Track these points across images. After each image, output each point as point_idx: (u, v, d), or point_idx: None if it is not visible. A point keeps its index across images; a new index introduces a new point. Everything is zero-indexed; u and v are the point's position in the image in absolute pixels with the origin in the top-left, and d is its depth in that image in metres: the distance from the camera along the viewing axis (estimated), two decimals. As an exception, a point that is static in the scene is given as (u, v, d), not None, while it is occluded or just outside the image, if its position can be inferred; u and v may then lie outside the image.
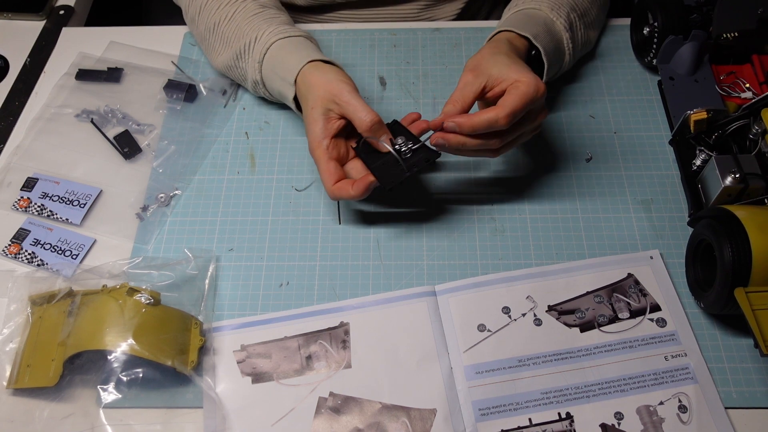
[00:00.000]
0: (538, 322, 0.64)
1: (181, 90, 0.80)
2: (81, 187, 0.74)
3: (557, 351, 0.62)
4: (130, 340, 0.58)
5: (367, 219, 0.72)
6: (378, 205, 0.73)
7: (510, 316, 0.64)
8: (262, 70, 0.74)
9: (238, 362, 0.63)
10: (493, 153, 0.65)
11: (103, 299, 0.62)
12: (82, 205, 0.73)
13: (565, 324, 0.64)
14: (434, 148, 0.64)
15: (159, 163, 0.76)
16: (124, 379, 0.59)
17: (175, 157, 0.76)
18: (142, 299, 0.61)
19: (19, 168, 0.76)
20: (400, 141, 0.65)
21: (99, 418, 0.59)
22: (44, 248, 0.70)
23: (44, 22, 0.91)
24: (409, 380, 0.61)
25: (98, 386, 0.60)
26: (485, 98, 0.65)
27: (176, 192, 0.74)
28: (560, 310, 0.65)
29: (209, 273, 0.68)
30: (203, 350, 0.62)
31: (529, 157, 0.76)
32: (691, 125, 0.69)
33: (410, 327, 0.64)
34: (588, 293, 0.66)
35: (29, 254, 0.70)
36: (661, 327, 0.63)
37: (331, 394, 0.61)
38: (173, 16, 0.97)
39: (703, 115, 0.68)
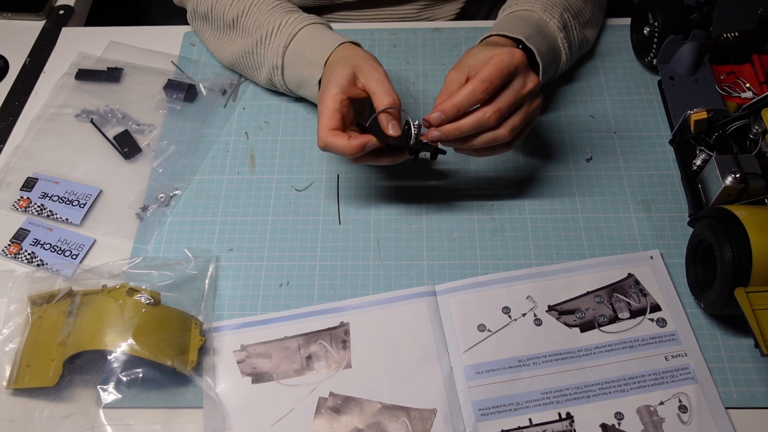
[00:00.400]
0: (538, 322, 0.64)
1: (181, 90, 0.80)
2: (81, 187, 0.74)
3: (557, 351, 0.62)
4: (130, 340, 0.58)
5: (367, 219, 0.72)
6: (378, 205, 0.73)
7: (510, 316, 0.64)
8: (285, 55, 0.74)
9: (238, 362, 0.63)
10: (506, 146, 0.64)
11: (103, 299, 0.62)
12: (81, 205, 0.73)
13: (566, 324, 0.64)
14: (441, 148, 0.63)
15: (159, 163, 0.76)
16: (124, 379, 0.59)
17: (175, 157, 0.76)
18: (142, 299, 0.61)
19: (19, 168, 0.76)
20: (411, 128, 0.63)
21: (99, 418, 0.59)
22: (44, 248, 0.70)
23: (44, 22, 0.91)
24: (409, 380, 0.61)
25: (98, 386, 0.60)
26: None
27: (176, 192, 0.74)
28: (560, 310, 0.65)
29: (209, 273, 0.68)
30: (203, 350, 0.62)
31: (529, 157, 0.76)
32: (692, 125, 0.69)
33: (410, 327, 0.64)
34: (588, 293, 0.66)
35: (29, 254, 0.70)
36: (662, 327, 0.63)
37: (331, 394, 0.61)
38: (173, 16, 0.97)
39: (704, 115, 0.68)
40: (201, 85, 0.82)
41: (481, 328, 0.64)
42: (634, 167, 0.74)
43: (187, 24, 0.88)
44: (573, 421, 0.59)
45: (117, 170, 0.76)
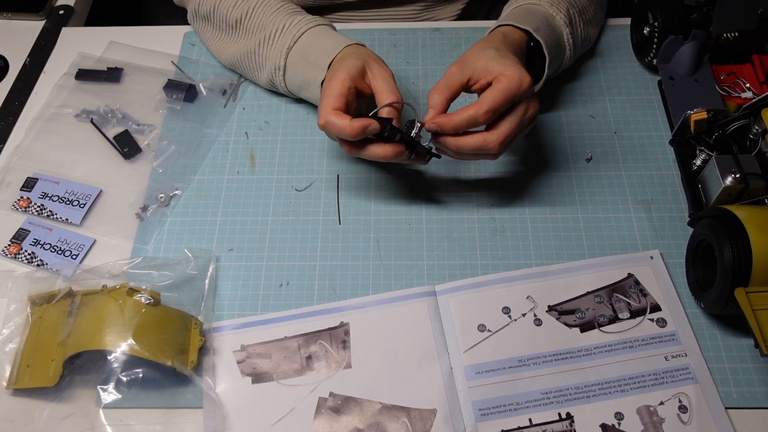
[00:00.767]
0: (538, 322, 0.64)
1: (181, 90, 0.80)
2: (81, 187, 0.74)
3: (557, 351, 0.62)
4: (130, 340, 0.58)
5: (367, 219, 0.72)
6: (378, 205, 0.73)
7: (510, 316, 0.64)
8: (288, 56, 0.74)
9: (238, 362, 0.63)
10: (492, 156, 0.65)
11: (103, 299, 0.62)
12: (81, 205, 0.73)
13: (566, 324, 0.64)
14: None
15: (159, 163, 0.76)
16: (124, 379, 0.59)
17: (175, 157, 0.76)
18: (142, 299, 0.61)
19: (19, 168, 0.76)
20: (415, 124, 0.62)
21: (99, 418, 0.59)
22: (44, 248, 0.70)
23: (44, 22, 0.91)
24: (409, 380, 0.61)
25: (98, 386, 0.60)
26: (471, 90, 0.65)
27: (176, 192, 0.74)
28: (560, 310, 0.65)
29: (209, 273, 0.68)
30: (203, 350, 0.62)
31: (529, 157, 0.76)
32: (692, 125, 0.69)
33: (410, 327, 0.64)
34: (588, 293, 0.66)
35: (29, 254, 0.70)
36: (662, 327, 0.63)
37: (331, 394, 0.61)
38: (173, 16, 0.97)
39: (704, 115, 0.68)
40: (201, 85, 0.82)
41: (481, 328, 0.64)
42: (634, 167, 0.74)
43: (187, 24, 0.88)
44: (573, 421, 0.59)
45: (117, 170, 0.76)
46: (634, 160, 0.75)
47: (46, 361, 0.61)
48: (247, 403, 0.61)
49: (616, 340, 0.63)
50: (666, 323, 0.64)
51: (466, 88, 0.64)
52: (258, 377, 0.62)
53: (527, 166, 0.75)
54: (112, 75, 0.83)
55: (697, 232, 0.63)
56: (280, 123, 0.80)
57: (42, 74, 0.85)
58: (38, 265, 0.69)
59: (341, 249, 0.70)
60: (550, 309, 0.65)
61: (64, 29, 0.90)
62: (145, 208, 0.73)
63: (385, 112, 0.63)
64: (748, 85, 0.74)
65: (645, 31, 0.79)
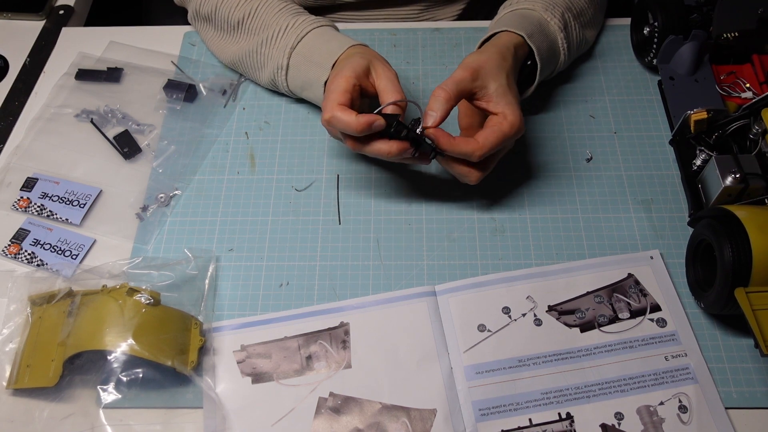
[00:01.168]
0: (538, 322, 0.64)
1: (181, 90, 0.80)
2: (81, 187, 0.74)
3: (557, 351, 0.62)
4: (130, 340, 0.58)
5: (367, 219, 0.72)
6: (378, 205, 0.73)
7: (510, 316, 0.64)
8: (291, 56, 0.74)
9: (238, 362, 0.63)
10: (474, 169, 0.66)
11: (103, 299, 0.62)
12: (81, 205, 0.73)
13: (566, 324, 0.64)
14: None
15: (159, 163, 0.76)
16: (124, 379, 0.59)
17: (175, 157, 0.76)
18: (142, 299, 0.61)
19: (19, 168, 0.76)
20: (417, 126, 0.63)
21: (99, 419, 0.59)
22: (44, 248, 0.70)
23: (44, 22, 0.91)
24: (409, 380, 0.61)
25: (98, 386, 0.59)
26: (471, 102, 0.66)
27: (176, 192, 0.74)
28: (560, 310, 0.65)
29: (209, 273, 0.68)
30: (203, 350, 0.62)
31: (529, 157, 0.76)
32: (692, 125, 0.69)
33: (410, 327, 0.64)
34: (588, 293, 0.66)
35: (29, 254, 0.70)
36: (662, 327, 0.63)
37: (331, 394, 0.61)
38: (173, 16, 0.97)
39: (704, 115, 0.68)
40: (201, 85, 0.82)
41: (481, 328, 0.64)
42: (634, 167, 0.74)
43: (188, 24, 0.88)
44: (573, 421, 0.59)
45: (117, 170, 0.76)
46: (634, 160, 0.75)
47: (46, 361, 0.61)
48: (247, 403, 0.61)
49: (616, 340, 0.63)
50: (666, 323, 0.64)
51: (468, 97, 0.65)
52: (258, 377, 0.62)
53: (527, 166, 0.75)
54: (112, 75, 0.83)
55: (697, 232, 0.63)
56: (280, 123, 0.80)
57: (42, 74, 0.85)
58: (38, 265, 0.69)
59: (341, 249, 0.70)
60: (550, 309, 0.65)
61: (64, 29, 0.90)
62: (145, 208, 0.73)
63: (389, 110, 0.63)
64: (748, 85, 0.74)
65: (645, 31, 0.79)
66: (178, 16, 0.93)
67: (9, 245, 0.70)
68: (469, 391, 0.60)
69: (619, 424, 0.59)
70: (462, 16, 0.91)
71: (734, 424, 0.58)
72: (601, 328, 0.64)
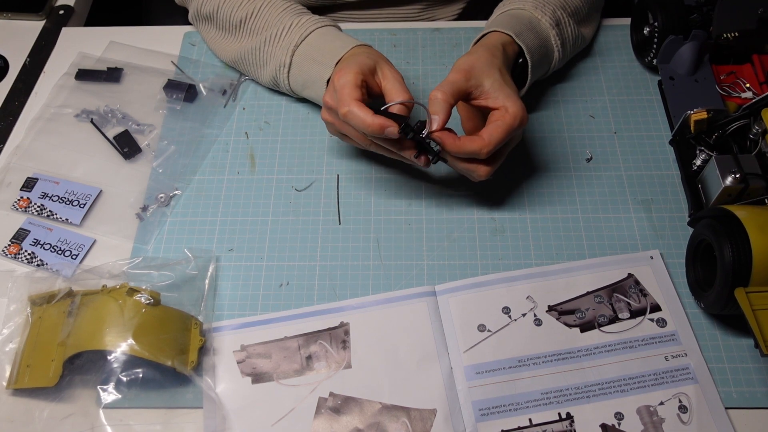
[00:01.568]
0: (538, 322, 0.64)
1: (181, 90, 0.80)
2: (81, 187, 0.74)
3: (557, 351, 0.62)
4: (130, 340, 0.58)
5: (367, 219, 0.72)
6: (378, 205, 0.73)
7: (510, 316, 0.64)
8: (294, 54, 0.74)
9: (238, 362, 0.63)
10: (483, 165, 0.65)
11: (103, 299, 0.62)
12: (81, 205, 0.73)
13: (566, 324, 0.64)
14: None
15: (159, 163, 0.76)
16: (124, 379, 0.59)
17: (175, 157, 0.76)
18: (142, 299, 0.61)
19: (19, 168, 0.76)
20: (422, 129, 0.63)
21: (99, 418, 0.59)
22: (44, 248, 0.70)
23: (44, 22, 0.91)
24: (409, 380, 0.61)
25: (98, 386, 0.60)
26: (469, 102, 0.66)
27: (176, 192, 0.74)
28: (560, 310, 0.65)
29: (209, 273, 0.68)
30: (203, 350, 0.62)
31: (529, 157, 0.76)
32: (692, 125, 0.69)
33: (410, 327, 0.64)
34: (588, 293, 0.66)
35: (29, 254, 0.70)
36: (662, 327, 0.63)
37: (331, 394, 0.61)
38: (173, 16, 0.97)
39: (704, 115, 0.68)
40: (201, 85, 0.82)
41: (481, 328, 0.64)
42: (634, 167, 0.74)
43: (188, 24, 0.88)
44: (573, 421, 0.59)
45: (117, 170, 0.76)
46: (634, 160, 0.75)
47: (46, 361, 0.61)
48: (247, 403, 0.61)
49: (616, 340, 0.63)
50: (666, 323, 0.64)
51: (466, 98, 0.65)
52: (258, 377, 0.62)
53: (527, 166, 0.75)
54: (112, 75, 0.83)
55: (697, 232, 0.63)
56: (280, 123, 0.80)
57: (42, 74, 0.85)
58: (38, 265, 0.69)
59: (341, 249, 0.70)
60: (550, 309, 0.65)
61: (64, 29, 0.90)
62: (145, 208, 0.73)
63: (395, 110, 0.63)
64: (748, 85, 0.74)
65: (645, 31, 0.79)
66: (178, 16, 0.93)
67: (9, 245, 0.70)
68: (469, 391, 0.60)
69: (619, 424, 0.59)
70: (462, 16, 0.91)
71: (734, 424, 0.58)
72: (601, 328, 0.64)
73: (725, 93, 0.73)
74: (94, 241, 0.71)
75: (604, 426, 0.59)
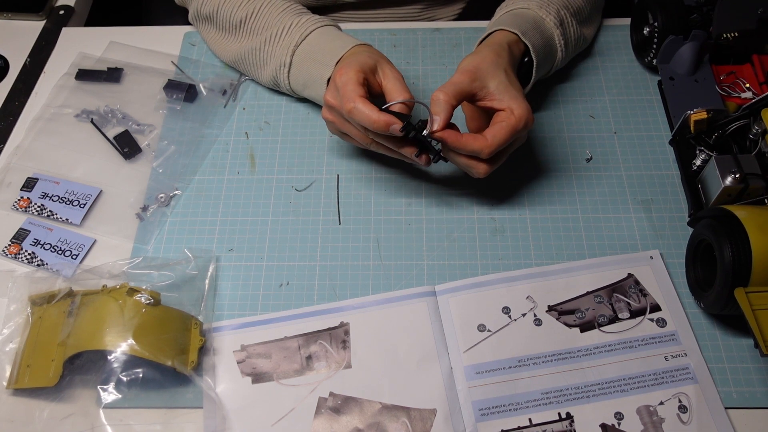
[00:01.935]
0: (538, 322, 0.64)
1: (181, 90, 0.80)
2: (81, 187, 0.74)
3: (557, 351, 0.62)
4: (130, 340, 0.58)
5: (367, 219, 0.72)
6: (378, 205, 0.73)
7: (510, 316, 0.64)
8: (295, 54, 0.74)
9: (238, 362, 0.63)
10: (482, 163, 0.65)
11: (103, 299, 0.62)
12: (82, 205, 0.73)
13: (565, 324, 0.64)
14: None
15: (159, 163, 0.76)
16: (124, 379, 0.59)
17: (175, 157, 0.76)
18: (142, 299, 0.61)
19: (19, 168, 0.76)
20: (424, 128, 0.63)
21: (99, 418, 0.59)
22: (44, 248, 0.70)
23: (44, 22, 0.91)
24: (409, 380, 0.61)
25: (98, 386, 0.60)
26: (474, 104, 0.66)
27: (176, 192, 0.74)
28: (560, 310, 0.65)
29: (209, 273, 0.68)
30: (203, 350, 0.62)
31: (529, 157, 0.76)
32: (691, 125, 0.69)
33: (410, 327, 0.64)
34: (588, 293, 0.66)
35: (29, 254, 0.70)
36: (661, 327, 0.63)
37: (331, 394, 0.61)
38: (173, 16, 0.97)
39: (703, 115, 0.68)
40: (201, 85, 0.82)
41: (481, 328, 0.64)
42: (634, 167, 0.74)
43: (188, 24, 0.88)
44: (573, 421, 0.59)
45: (117, 170, 0.76)
46: (634, 160, 0.75)
47: (46, 361, 0.61)
48: (247, 403, 0.61)
49: (616, 340, 0.63)
50: (666, 323, 0.64)
51: (470, 99, 0.65)
52: (258, 377, 0.62)
53: (527, 166, 0.75)
54: (112, 75, 0.83)
55: (697, 232, 0.63)
56: (280, 123, 0.80)
57: (42, 74, 0.85)
58: (38, 265, 0.69)
59: (341, 249, 0.70)
60: (550, 309, 0.65)
61: (64, 29, 0.90)
62: (145, 208, 0.73)
63: (396, 110, 0.63)
64: (747, 85, 0.74)
65: (645, 31, 0.79)
66: (178, 16, 0.93)
67: (9, 245, 0.70)
68: (469, 391, 0.60)
69: (619, 424, 0.59)
70: (462, 16, 0.91)
71: (734, 424, 0.58)
72: (601, 328, 0.64)
73: (725, 93, 0.73)
74: (95, 241, 0.71)
75: (604, 426, 0.59)
